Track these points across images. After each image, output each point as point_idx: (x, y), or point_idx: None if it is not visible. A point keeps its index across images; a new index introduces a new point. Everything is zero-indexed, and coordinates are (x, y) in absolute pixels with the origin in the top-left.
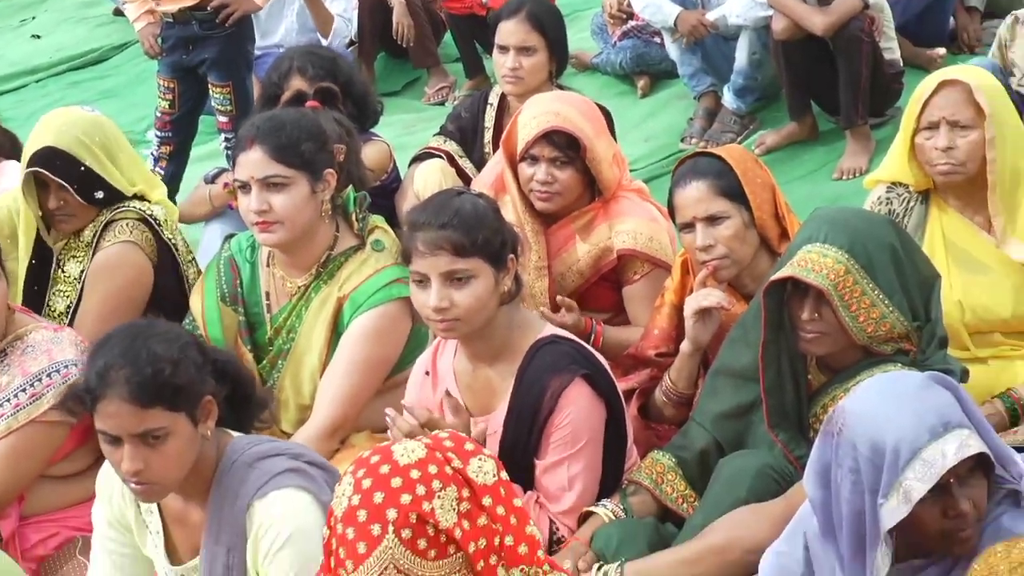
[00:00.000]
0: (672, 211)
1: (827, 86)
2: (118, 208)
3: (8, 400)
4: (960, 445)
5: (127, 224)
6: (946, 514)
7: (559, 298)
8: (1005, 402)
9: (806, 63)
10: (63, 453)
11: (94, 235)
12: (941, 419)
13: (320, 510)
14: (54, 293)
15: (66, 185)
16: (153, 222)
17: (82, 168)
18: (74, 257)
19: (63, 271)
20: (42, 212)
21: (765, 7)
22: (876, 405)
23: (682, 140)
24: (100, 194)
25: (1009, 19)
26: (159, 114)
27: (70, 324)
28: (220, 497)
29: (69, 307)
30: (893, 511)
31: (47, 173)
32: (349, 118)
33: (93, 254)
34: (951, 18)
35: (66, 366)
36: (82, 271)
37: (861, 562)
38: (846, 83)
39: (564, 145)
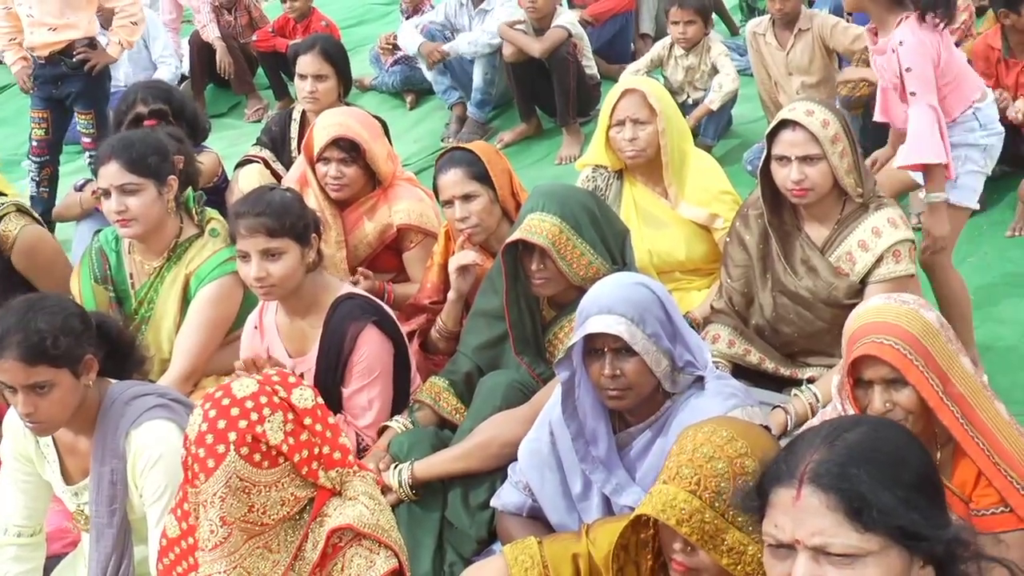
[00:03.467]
0: (436, 192)
1: (546, 95)
2: None
3: None
4: (607, 324)
5: (14, 216)
6: (601, 374)
7: (359, 269)
8: (803, 394)
9: (530, 78)
10: None
11: None
12: (617, 303)
13: (182, 436)
14: None
15: None
16: (26, 210)
17: None
18: None
19: None
20: None
21: (493, 38)
22: (598, 287)
23: (441, 140)
24: None
25: (661, 43)
26: (35, 142)
27: None
28: (103, 429)
29: None
30: (567, 364)
31: None
32: (183, 134)
33: None
34: (631, 43)
35: None
36: None
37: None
38: (559, 92)
39: (348, 148)
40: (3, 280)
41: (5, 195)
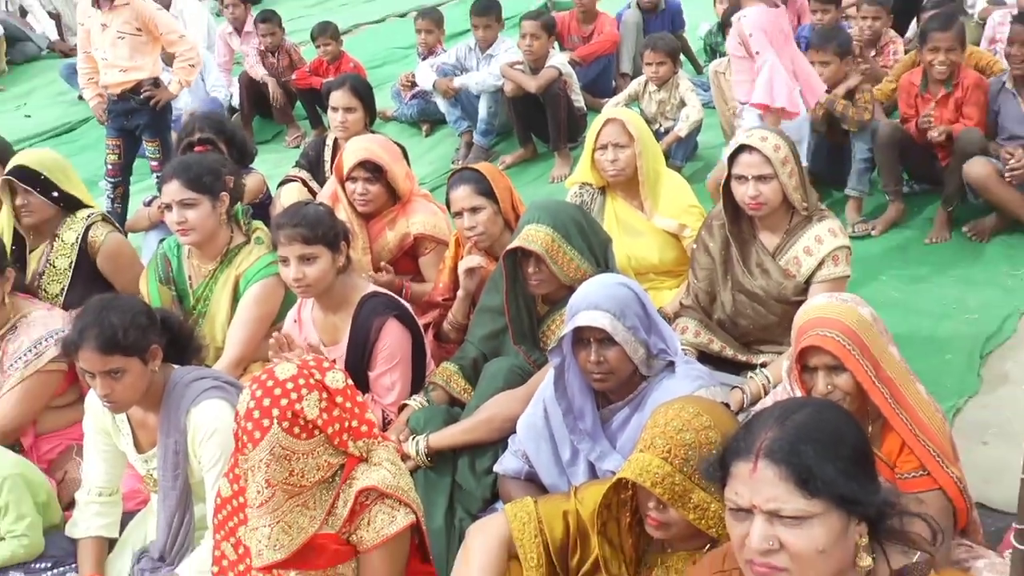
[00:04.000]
0: (448, 205)
1: (541, 124)
2: (81, 214)
3: (20, 358)
4: (593, 318)
5: (101, 224)
6: (587, 360)
7: (381, 263)
8: (758, 377)
9: (527, 110)
10: (59, 391)
11: (77, 237)
12: (602, 300)
13: (233, 412)
14: (48, 281)
15: (29, 188)
16: (110, 220)
17: (41, 177)
18: (63, 255)
19: (53, 266)
20: (16, 212)
21: (496, 78)
22: (585, 286)
23: (452, 163)
24: (56, 193)
25: (637, 81)
26: (109, 165)
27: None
28: (168, 407)
29: (61, 290)
30: (558, 352)
31: (15, 180)
32: (232, 158)
33: (87, 249)
34: (613, 80)
35: (57, 333)
36: (69, 263)
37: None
38: (552, 122)
39: (372, 169)
40: (89, 279)
41: (92, 207)
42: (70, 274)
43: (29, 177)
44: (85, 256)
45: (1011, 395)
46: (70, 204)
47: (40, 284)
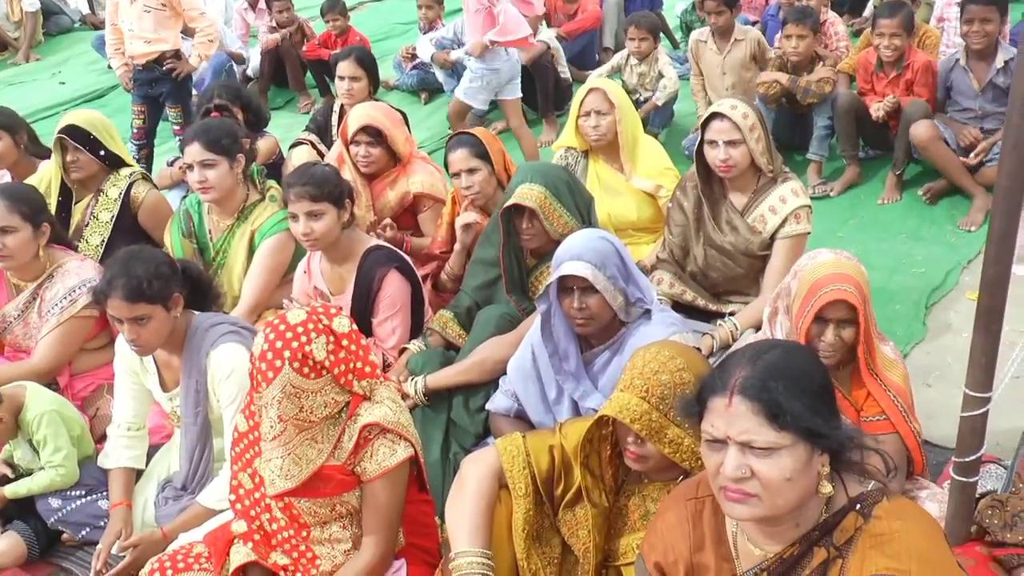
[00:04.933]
0: (447, 167)
1: (530, 94)
2: (124, 172)
3: (57, 304)
4: (576, 268)
5: (142, 182)
6: (571, 307)
7: (384, 220)
8: (726, 324)
9: None
10: (92, 335)
11: (120, 193)
12: (585, 252)
13: (249, 354)
14: (91, 233)
15: (79, 146)
16: (149, 178)
17: (90, 136)
18: (106, 209)
19: (97, 219)
20: (65, 167)
21: None
22: (570, 240)
23: (449, 128)
24: (102, 152)
25: (620, 54)
26: (135, 129)
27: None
28: (190, 350)
29: (102, 241)
30: (545, 299)
31: (67, 138)
32: (248, 122)
33: (128, 204)
34: (597, 54)
35: (90, 281)
36: (111, 216)
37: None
38: (540, 92)
39: (374, 134)
40: (128, 232)
41: (133, 167)
42: (111, 227)
43: (80, 136)
44: (127, 210)
45: (952, 342)
46: (114, 162)
47: (83, 235)
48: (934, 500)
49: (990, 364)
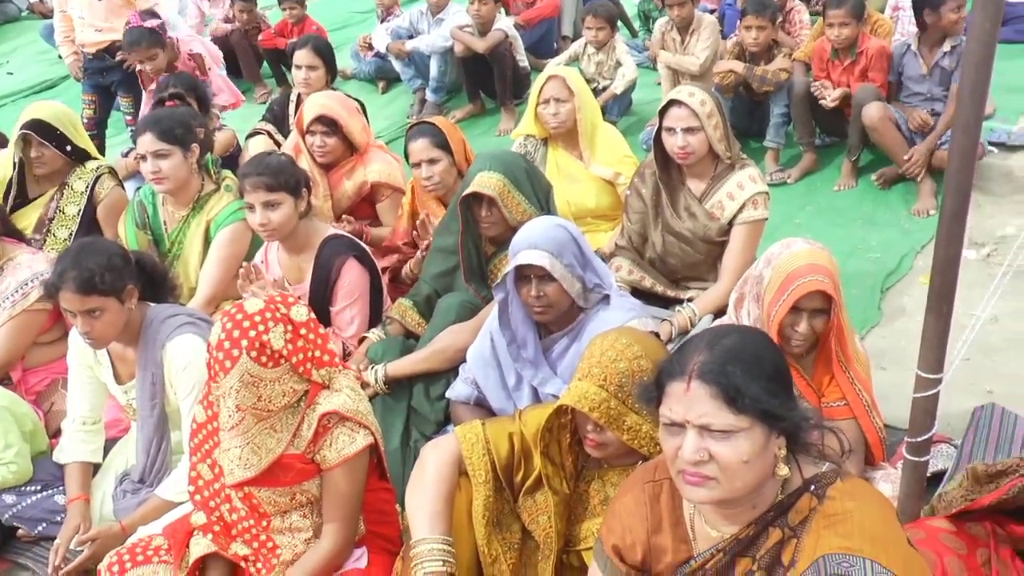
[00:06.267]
0: (407, 156)
1: (489, 82)
2: (91, 165)
3: (8, 298)
4: (533, 257)
5: (108, 177)
6: (528, 295)
7: (343, 216)
8: (685, 310)
9: (476, 69)
10: (45, 329)
11: (87, 186)
12: (541, 241)
13: (206, 346)
14: (57, 227)
15: (45, 142)
16: (115, 173)
17: (57, 132)
18: (72, 202)
19: (63, 213)
20: (28, 162)
21: (446, 40)
22: (527, 228)
23: (407, 117)
24: (69, 147)
25: (578, 43)
26: (85, 120)
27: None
28: (145, 342)
29: (70, 235)
30: (502, 288)
31: (32, 134)
32: (202, 112)
33: (88, 200)
34: (555, 43)
35: (43, 274)
36: (78, 211)
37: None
38: (499, 80)
39: (328, 123)
40: (91, 226)
41: (99, 159)
42: (78, 220)
43: (46, 131)
44: (90, 204)
45: (906, 326)
46: (80, 156)
47: (49, 229)
48: (887, 480)
49: (941, 346)
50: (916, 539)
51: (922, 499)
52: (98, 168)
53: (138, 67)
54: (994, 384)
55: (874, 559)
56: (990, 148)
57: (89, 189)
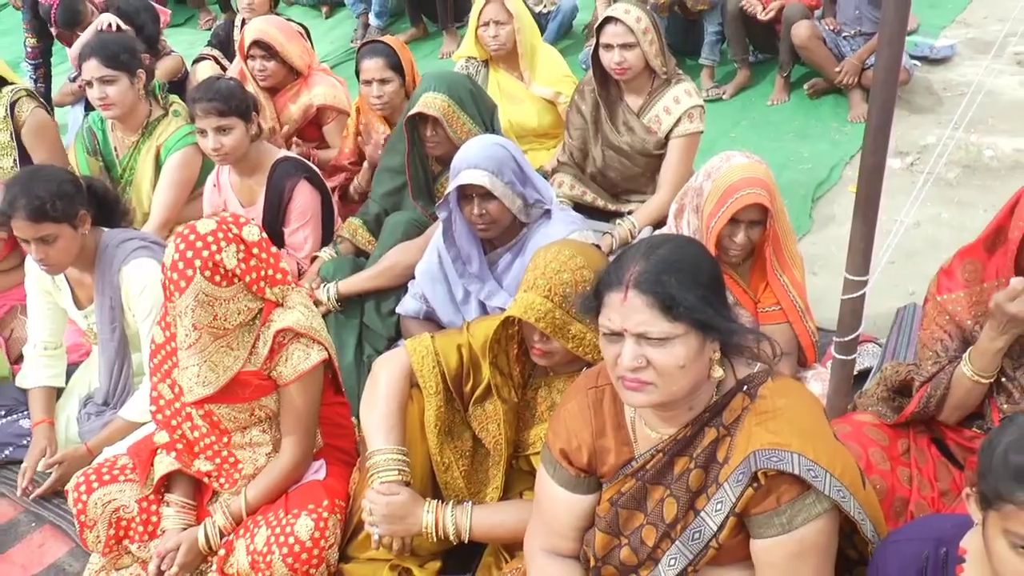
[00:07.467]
0: (357, 75)
1: (430, 6)
2: (5, 90)
3: None
4: (473, 176)
5: (25, 100)
6: (471, 213)
7: (292, 139)
8: (625, 223)
9: None
10: (1, 256)
11: (6, 110)
12: (481, 160)
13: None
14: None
15: None
16: (34, 95)
17: None
18: (2, 129)
19: None
20: None
21: None
22: (466, 147)
23: (351, 42)
24: None
25: None
26: (28, 48)
27: None
28: (102, 267)
29: (15, 161)
30: (445, 206)
31: None
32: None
33: (13, 123)
34: None
35: None
36: (10, 136)
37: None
38: (440, 3)
39: (266, 48)
40: (23, 153)
41: (14, 83)
42: (15, 146)
43: None
44: (16, 129)
45: (835, 233)
46: None
47: None
48: (818, 379)
49: (867, 250)
50: (842, 433)
51: (849, 396)
52: (14, 91)
53: None
54: (916, 285)
55: (801, 452)
56: (913, 62)
57: (9, 113)
